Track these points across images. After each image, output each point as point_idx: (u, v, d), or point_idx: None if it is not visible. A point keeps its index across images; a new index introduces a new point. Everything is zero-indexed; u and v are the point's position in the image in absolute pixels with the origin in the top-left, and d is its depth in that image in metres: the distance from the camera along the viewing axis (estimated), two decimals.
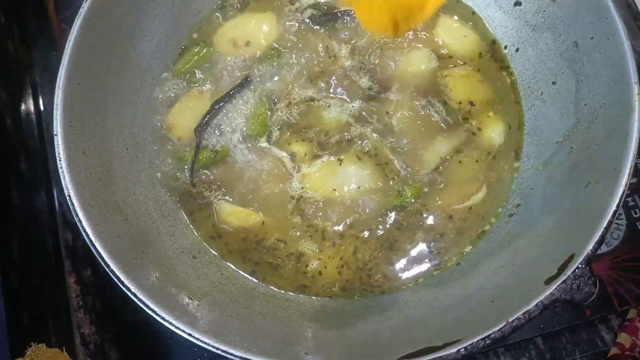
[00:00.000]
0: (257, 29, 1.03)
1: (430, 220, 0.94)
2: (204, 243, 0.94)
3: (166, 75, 1.01)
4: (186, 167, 0.96)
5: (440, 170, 0.96)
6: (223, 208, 0.94)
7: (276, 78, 1.01)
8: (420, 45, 1.03)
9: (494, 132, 0.98)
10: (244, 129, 0.98)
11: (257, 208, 0.94)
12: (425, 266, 0.92)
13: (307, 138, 0.97)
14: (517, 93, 1.01)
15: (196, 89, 1.00)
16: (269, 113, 0.98)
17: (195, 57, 1.01)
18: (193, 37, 1.04)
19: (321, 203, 0.94)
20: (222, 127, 0.98)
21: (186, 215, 0.95)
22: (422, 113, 0.98)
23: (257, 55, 1.02)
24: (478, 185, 0.96)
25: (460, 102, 0.99)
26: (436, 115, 0.98)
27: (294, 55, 1.02)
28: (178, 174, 0.97)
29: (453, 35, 1.03)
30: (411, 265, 0.92)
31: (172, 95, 1.00)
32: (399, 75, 1.01)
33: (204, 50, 1.02)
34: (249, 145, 0.97)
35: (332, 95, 1.00)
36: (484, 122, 0.99)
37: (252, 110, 0.98)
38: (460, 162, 0.96)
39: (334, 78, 1.01)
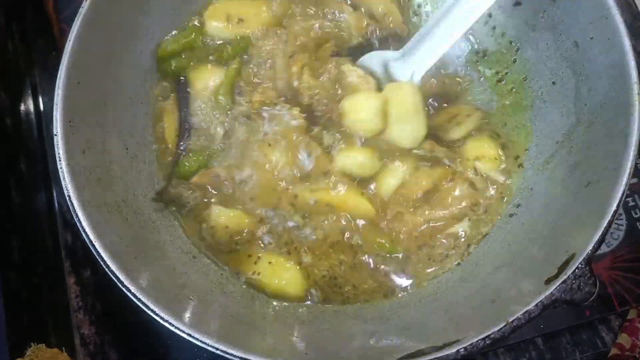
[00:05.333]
0: (248, 10, 1.01)
1: (429, 220, 0.94)
2: (199, 242, 0.92)
3: None
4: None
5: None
6: (214, 211, 0.92)
7: (262, 65, 0.98)
8: None
9: (494, 133, 0.98)
10: (227, 127, 0.96)
11: (249, 210, 0.92)
12: (424, 266, 0.92)
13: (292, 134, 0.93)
14: (517, 93, 1.01)
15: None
16: (230, 108, 0.96)
17: (184, 41, 0.99)
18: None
19: (313, 206, 0.92)
20: (206, 129, 0.96)
21: (181, 217, 0.94)
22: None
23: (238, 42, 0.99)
24: (477, 185, 0.96)
25: (460, 102, 0.99)
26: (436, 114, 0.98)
27: (284, 40, 0.98)
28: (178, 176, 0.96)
29: None
30: (410, 266, 0.92)
31: (173, 95, 1.00)
32: None
33: (192, 36, 0.99)
34: (240, 145, 0.95)
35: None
36: (484, 122, 0.99)
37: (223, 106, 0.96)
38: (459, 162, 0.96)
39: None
